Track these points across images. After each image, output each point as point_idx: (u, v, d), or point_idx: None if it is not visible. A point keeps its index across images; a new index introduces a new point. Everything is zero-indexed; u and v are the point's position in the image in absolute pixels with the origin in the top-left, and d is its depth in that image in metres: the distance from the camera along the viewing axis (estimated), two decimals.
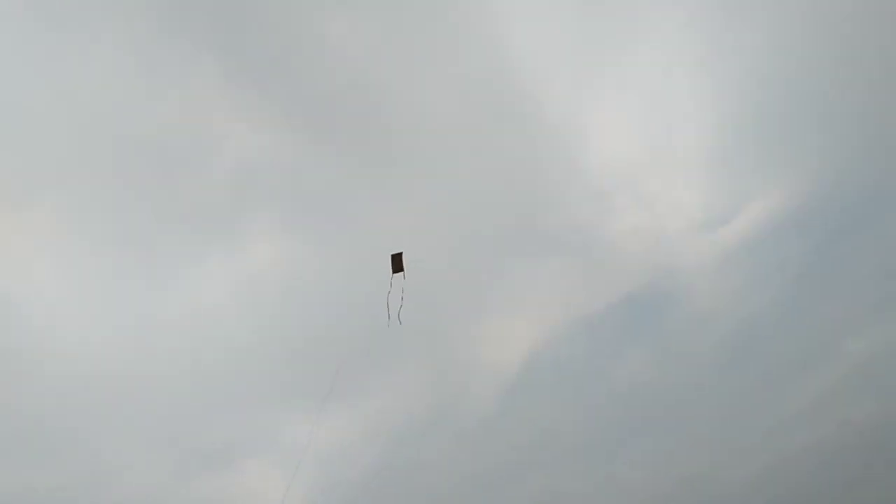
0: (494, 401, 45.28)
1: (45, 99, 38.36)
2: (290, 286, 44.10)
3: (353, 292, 44.22)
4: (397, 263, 30.50)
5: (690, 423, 45.02)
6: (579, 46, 47.77)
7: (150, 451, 40.74)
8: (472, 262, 45.11)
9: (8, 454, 37.90)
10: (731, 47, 48.71)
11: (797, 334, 45.10)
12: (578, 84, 47.52)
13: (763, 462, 43.64)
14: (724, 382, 45.68)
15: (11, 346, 38.67)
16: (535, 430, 44.67)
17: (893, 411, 41.68)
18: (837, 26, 46.03)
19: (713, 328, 46.85)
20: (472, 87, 46.15)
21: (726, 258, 47.41)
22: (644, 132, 48.94)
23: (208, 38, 39.73)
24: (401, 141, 44.72)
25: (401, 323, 29.52)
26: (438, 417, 44.82)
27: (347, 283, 44.16)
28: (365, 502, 40.97)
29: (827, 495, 40.67)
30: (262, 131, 42.64)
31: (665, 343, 46.69)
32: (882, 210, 46.40)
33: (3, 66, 36.62)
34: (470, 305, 45.49)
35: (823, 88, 47.22)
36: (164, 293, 41.80)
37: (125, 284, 40.87)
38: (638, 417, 44.95)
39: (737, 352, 46.18)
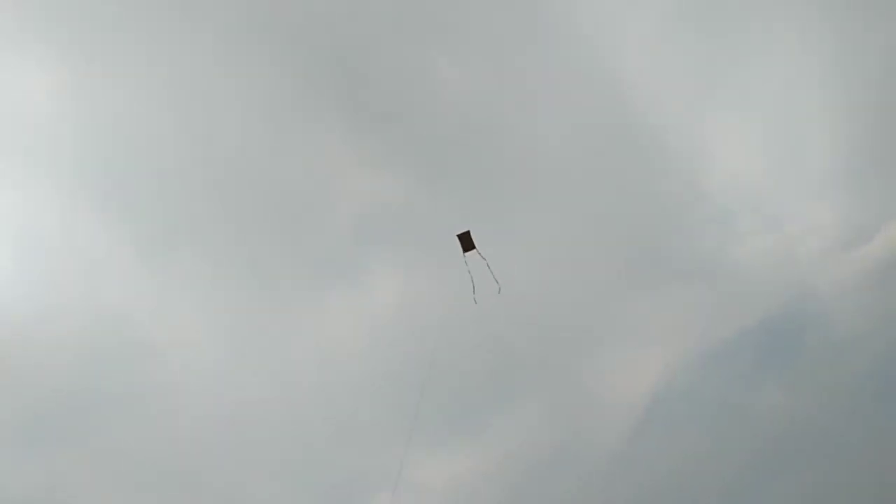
0: (623, 436, 43.75)
1: (183, 161, 41.35)
2: (411, 323, 44.50)
3: (472, 327, 44.37)
4: (466, 241, 30.42)
5: (839, 458, 41.74)
6: (695, 65, 46.74)
7: (284, 484, 41.97)
8: (594, 292, 44.19)
9: (153, 487, 40.10)
10: (861, 51, 45.94)
11: None
12: (696, 104, 46.33)
13: None
14: (876, 413, 42.21)
15: (158, 387, 41.12)
16: (667, 468, 42.73)
17: None
18: None
19: (860, 353, 43.45)
20: (584, 116, 45.78)
21: (870, 278, 44.11)
22: (769, 149, 46.79)
23: (330, 93, 41.66)
24: (516, 176, 44.74)
25: (499, 290, 30.71)
26: (565, 453, 43.73)
27: (467, 318, 44.24)
28: None
29: None
30: (382, 175, 43.74)
31: (806, 371, 43.71)
32: None
33: (149, 132, 39.80)
34: (594, 337, 44.44)
35: None
36: (294, 333, 43.24)
37: (259, 326, 42.59)
38: (780, 452, 42.12)
39: (889, 379, 42.63)
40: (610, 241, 44.83)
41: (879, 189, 45.75)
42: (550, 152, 45.78)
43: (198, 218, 41.26)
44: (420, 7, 44.85)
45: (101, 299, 41.05)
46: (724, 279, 44.60)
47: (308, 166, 43.40)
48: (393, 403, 42.11)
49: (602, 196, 45.40)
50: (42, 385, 39.35)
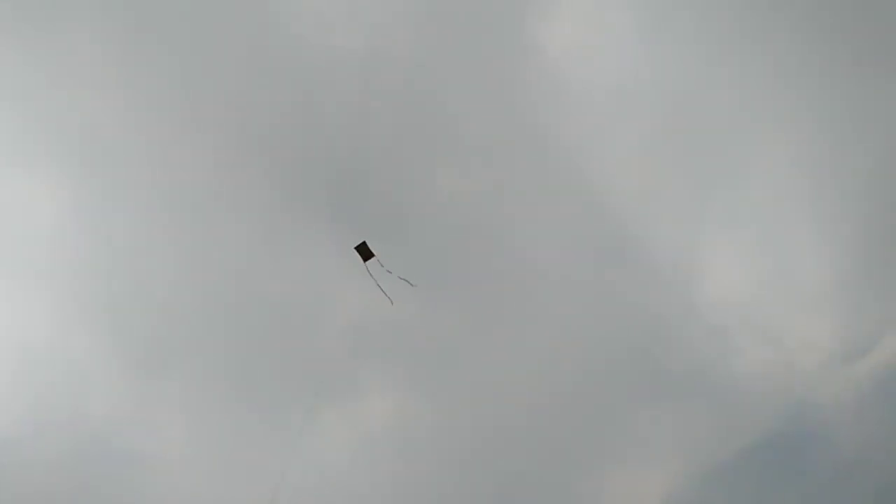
0: None
1: (175, 273, 42.00)
2: (407, 440, 43.72)
3: (470, 445, 43.43)
4: (365, 252, 32.40)
5: None
6: (681, 183, 47.88)
7: None
8: (590, 410, 43.43)
9: None
10: (848, 162, 47.26)
11: None
12: (685, 219, 47.16)
13: None
14: None
15: (146, 501, 39.80)
16: None
17: None
18: None
19: (872, 470, 42.13)
20: (576, 230, 46.66)
21: (875, 391, 43.47)
22: (760, 263, 47.25)
23: (322, 203, 42.55)
24: (511, 289, 45.04)
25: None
26: None
27: (465, 435, 43.42)
28: None
29: None
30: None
31: (815, 490, 42.17)
32: None
33: (142, 251, 40.96)
34: (591, 457, 43.26)
35: None
36: (286, 449, 42.22)
37: (251, 441, 41.75)
38: None
39: None
40: (604, 357, 44.62)
41: (876, 300, 45.92)
42: (543, 265, 46.33)
43: (188, 334, 41.55)
44: (415, 123, 46.50)
45: (90, 416, 40.58)
46: (723, 396, 43.92)
47: (300, 277, 43.78)
48: None
49: (594, 309, 45.57)
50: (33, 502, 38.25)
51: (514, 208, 46.03)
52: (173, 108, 43.04)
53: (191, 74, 43.29)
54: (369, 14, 44.34)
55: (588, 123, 46.34)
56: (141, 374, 40.86)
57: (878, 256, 46.16)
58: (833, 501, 41.04)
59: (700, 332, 45.82)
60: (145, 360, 41.04)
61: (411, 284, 33.16)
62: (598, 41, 46.65)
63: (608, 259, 46.78)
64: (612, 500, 42.22)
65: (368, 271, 32.96)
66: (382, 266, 32.87)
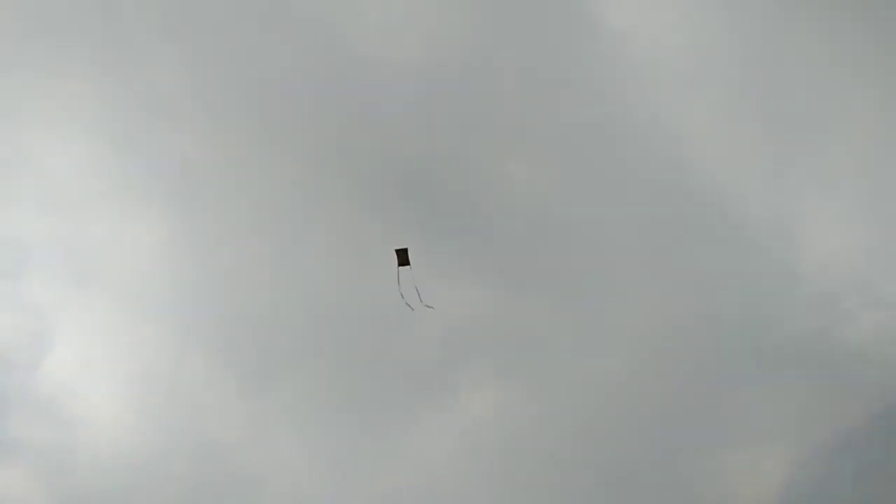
0: None
1: (271, 289, 43.61)
2: (509, 434, 43.48)
3: (573, 435, 42.81)
4: (403, 257, 32.36)
5: None
6: (771, 149, 45.89)
7: None
8: (699, 389, 41.97)
9: None
10: None
11: None
12: (777, 188, 45.10)
13: None
14: None
15: None
16: None
17: None
18: None
19: None
20: (665, 211, 45.42)
21: None
22: (864, 225, 44.57)
23: (401, 210, 43.32)
24: (599, 272, 44.28)
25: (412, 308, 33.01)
26: None
27: (567, 425, 42.84)
28: None
29: None
30: (462, 286, 44.15)
31: None
32: None
33: (245, 276, 42.82)
34: (702, 440, 41.73)
35: None
36: (389, 454, 42.95)
37: (357, 451, 42.52)
38: None
39: None
40: (707, 334, 43.07)
41: None
42: (634, 247, 45.28)
43: (291, 349, 42.85)
44: (483, 117, 46.43)
45: (206, 436, 42.39)
46: (839, 364, 41.63)
47: (389, 288, 44.45)
48: None
49: (693, 289, 44.11)
50: None
51: (595, 192, 45.29)
52: (253, 132, 44.82)
53: (266, 98, 44.98)
54: (427, 17, 44.87)
55: (664, 97, 45.09)
56: (253, 393, 42.45)
57: None
58: None
59: (807, 300, 43.66)
60: (255, 378, 42.60)
61: (409, 306, 33.49)
62: (665, 10, 45.37)
63: (700, 235, 45.36)
64: (731, 482, 40.64)
65: (398, 278, 33.23)
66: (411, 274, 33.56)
